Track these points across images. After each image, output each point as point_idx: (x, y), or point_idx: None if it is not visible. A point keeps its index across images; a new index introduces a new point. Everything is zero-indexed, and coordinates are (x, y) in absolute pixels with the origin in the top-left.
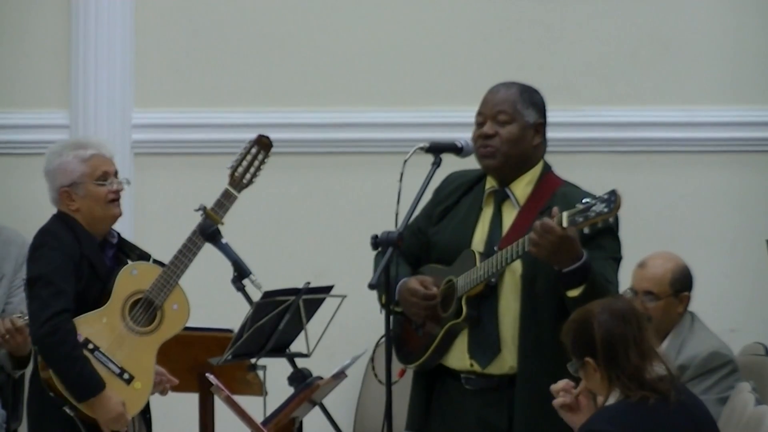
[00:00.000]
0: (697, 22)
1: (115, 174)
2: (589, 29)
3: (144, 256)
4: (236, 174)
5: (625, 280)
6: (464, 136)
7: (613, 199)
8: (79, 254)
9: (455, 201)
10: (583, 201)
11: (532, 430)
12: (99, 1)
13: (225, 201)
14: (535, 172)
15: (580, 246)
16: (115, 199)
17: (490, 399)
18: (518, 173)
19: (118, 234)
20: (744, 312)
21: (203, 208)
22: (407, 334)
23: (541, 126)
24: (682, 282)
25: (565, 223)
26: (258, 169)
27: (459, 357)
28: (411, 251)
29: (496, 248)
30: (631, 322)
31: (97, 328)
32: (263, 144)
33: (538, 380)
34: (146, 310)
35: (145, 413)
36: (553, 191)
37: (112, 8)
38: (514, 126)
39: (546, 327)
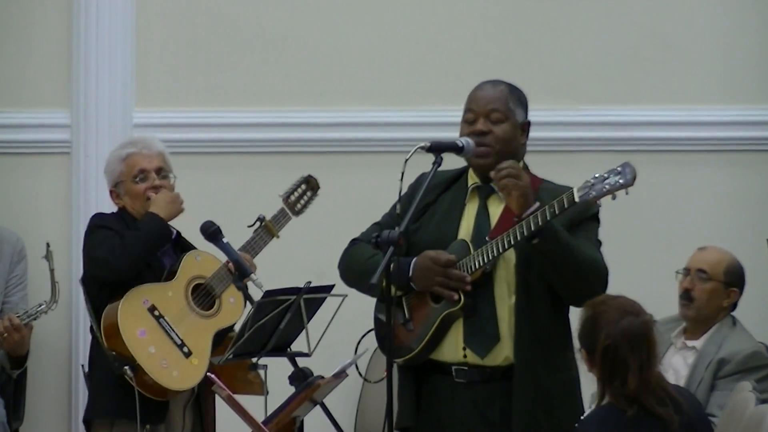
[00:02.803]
0: (696, 22)
1: (158, 170)
2: (589, 29)
3: None
4: (290, 199)
5: (676, 265)
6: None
7: (628, 171)
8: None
9: (434, 198)
10: (595, 176)
11: (530, 421)
12: (100, 1)
13: (281, 218)
14: None
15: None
16: None
17: (483, 391)
18: None
19: (178, 232)
20: (744, 312)
21: (262, 219)
22: (394, 329)
23: (527, 126)
24: (735, 276)
25: (576, 198)
26: (307, 203)
27: (451, 348)
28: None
29: (487, 238)
30: (640, 349)
31: (163, 298)
32: (311, 184)
33: (536, 370)
34: (206, 296)
35: (200, 413)
36: (536, 187)
37: (113, 8)
38: (507, 125)
39: (542, 317)
